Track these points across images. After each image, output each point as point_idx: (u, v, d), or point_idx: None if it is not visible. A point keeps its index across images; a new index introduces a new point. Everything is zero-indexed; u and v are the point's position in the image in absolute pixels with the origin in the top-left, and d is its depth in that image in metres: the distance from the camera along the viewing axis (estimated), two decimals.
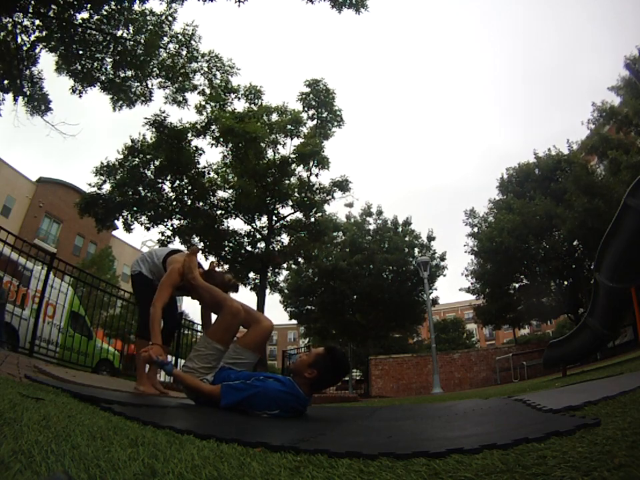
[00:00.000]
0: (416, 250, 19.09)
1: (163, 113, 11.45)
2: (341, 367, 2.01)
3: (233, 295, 2.50)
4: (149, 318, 2.37)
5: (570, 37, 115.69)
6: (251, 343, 2.23)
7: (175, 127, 11.62)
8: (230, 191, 12.77)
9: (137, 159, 11.68)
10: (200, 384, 2.00)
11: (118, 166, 11.66)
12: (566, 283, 16.24)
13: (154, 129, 11.48)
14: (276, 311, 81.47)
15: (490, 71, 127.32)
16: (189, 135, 11.99)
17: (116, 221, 12.94)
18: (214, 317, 2.47)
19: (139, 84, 9.34)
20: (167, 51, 9.38)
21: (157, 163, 11.86)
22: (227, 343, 2.17)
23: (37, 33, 8.02)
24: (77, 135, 17.48)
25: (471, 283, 17.86)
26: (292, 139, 12.79)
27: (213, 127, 11.87)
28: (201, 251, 12.91)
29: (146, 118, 11.37)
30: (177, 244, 13.08)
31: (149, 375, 2.91)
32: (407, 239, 19.33)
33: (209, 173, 12.58)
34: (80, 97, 8.80)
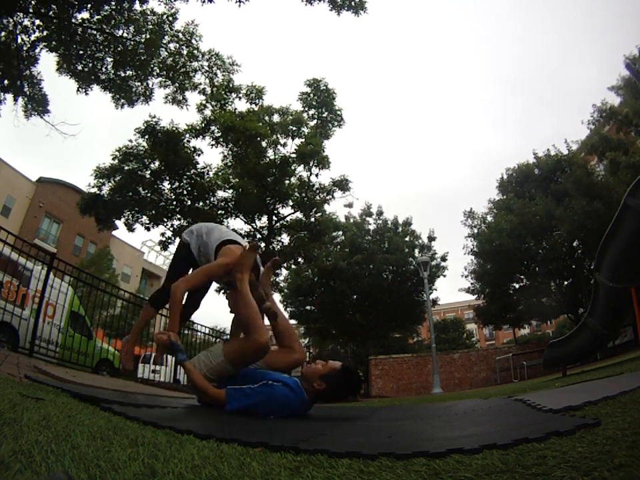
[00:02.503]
0: (416, 250, 19.08)
1: (154, 117, 11.45)
2: (351, 389, 1.96)
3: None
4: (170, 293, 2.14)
5: (565, 39, 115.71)
6: (274, 366, 2.10)
7: (170, 129, 11.60)
8: (230, 191, 12.76)
9: (132, 163, 11.67)
10: (206, 385, 1.92)
11: (116, 169, 11.65)
12: (566, 283, 16.23)
13: (147, 136, 11.47)
14: None
15: (491, 72, 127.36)
16: (187, 136, 11.99)
17: (117, 221, 12.94)
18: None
19: (139, 83, 9.34)
20: (168, 50, 9.37)
21: (154, 165, 11.86)
22: (238, 367, 2.06)
23: (37, 33, 8.02)
24: (77, 134, 17.50)
25: (471, 284, 17.87)
26: (293, 139, 12.79)
27: (213, 127, 11.86)
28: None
29: (136, 129, 11.39)
30: (177, 244, 13.04)
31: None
32: (407, 239, 19.31)
33: (208, 173, 12.57)
34: (87, 94, 8.80)
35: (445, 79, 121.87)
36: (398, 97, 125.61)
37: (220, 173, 12.80)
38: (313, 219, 13.01)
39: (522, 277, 16.90)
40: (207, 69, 10.35)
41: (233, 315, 2.44)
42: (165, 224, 12.61)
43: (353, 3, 7.40)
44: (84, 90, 8.77)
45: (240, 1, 6.95)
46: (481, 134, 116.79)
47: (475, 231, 17.45)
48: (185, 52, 9.60)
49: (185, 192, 12.31)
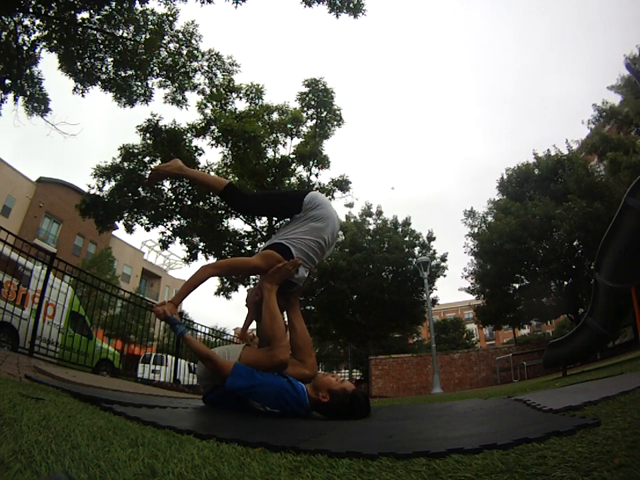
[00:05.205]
0: (416, 250, 19.08)
1: (155, 116, 11.49)
2: (353, 416, 1.90)
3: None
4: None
5: (557, 46, 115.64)
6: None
7: (172, 128, 11.62)
8: None
9: (133, 162, 11.68)
10: (209, 352, 1.90)
11: (116, 169, 11.66)
12: (566, 283, 16.22)
13: (148, 134, 11.51)
14: None
15: (495, 76, 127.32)
16: (188, 135, 12.00)
17: (116, 222, 12.96)
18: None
19: (139, 83, 9.35)
20: (168, 50, 9.38)
21: (155, 164, 11.87)
22: None
23: (37, 33, 8.03)
24: (77, 134, 17.50)
25: (471, 283, 17.86)
26: (292, 139, 12.80)
27: (213, 127, 11.87)
28: (201, 251, 12.85)
29: (138, 126, 11.45)
30: (177, 244, 13.12)
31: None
32: (406, 238, 19.31)
33: (208, 173, 12.58)
34: (83, 96, 8.82)
35: (444, 81, 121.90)
36: (398, 101, 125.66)
37: (220, 172, 12.81)
38: None
39: (522, 277, 16.89)
40: (206, 69, 10.35)
41: (247, 310, 2.39)
42: (164, 224, 12.63)
43: (351, 5, 7.42)
44: (80, 91, 8.78)
45: (237, 2, 6.97)
46: (480, 137, 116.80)
47: (476, 230, 17.45)
48: (184, 52, 9.61)
49: (185, 191, 12.32)
